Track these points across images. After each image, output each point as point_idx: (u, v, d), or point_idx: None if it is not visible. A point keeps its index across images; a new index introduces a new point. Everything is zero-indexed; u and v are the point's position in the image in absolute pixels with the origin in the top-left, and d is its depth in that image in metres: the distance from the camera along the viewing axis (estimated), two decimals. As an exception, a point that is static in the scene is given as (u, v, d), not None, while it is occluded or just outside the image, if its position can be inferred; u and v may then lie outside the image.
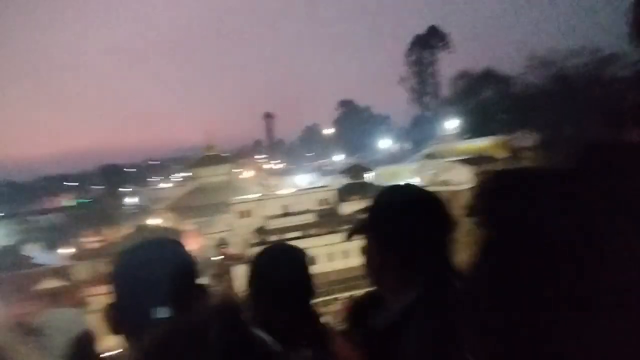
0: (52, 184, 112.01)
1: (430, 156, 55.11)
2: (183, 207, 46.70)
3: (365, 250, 1.31)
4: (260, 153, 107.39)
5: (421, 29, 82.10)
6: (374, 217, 1.32)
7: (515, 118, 51.61)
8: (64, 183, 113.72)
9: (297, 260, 1.54)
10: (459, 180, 42.15)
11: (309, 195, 40.32)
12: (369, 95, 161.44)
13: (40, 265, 41.55)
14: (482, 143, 52.11)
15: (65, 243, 49.96)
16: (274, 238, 32.31)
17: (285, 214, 37.45)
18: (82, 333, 1.76)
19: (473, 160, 43.75)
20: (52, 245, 52.01)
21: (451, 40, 79.96)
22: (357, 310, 1.71)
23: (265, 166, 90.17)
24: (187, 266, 1.29)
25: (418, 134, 71.35)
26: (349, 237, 1.41)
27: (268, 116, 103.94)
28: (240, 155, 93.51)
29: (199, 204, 46.35)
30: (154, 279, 1.18)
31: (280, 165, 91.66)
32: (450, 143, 57.51)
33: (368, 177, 45.66)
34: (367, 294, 1.75)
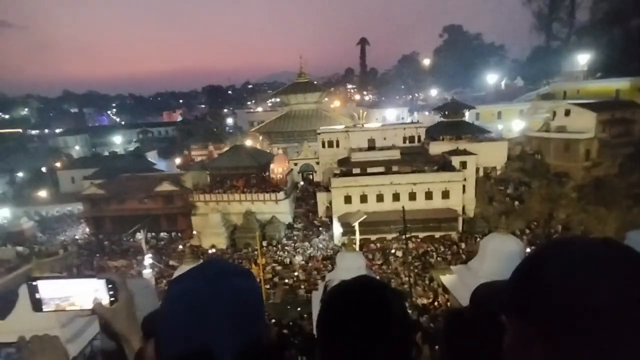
0: (166, 100, 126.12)
1: (547, 96, 47.35)
2: (273, 131, 48.79)
3: (514, 344, 0.74)
4: (351, 82, 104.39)
5: None
6: (549, 295, 0.66)
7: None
8: (177, 100, 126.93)
9: (380, 301, 1.05)
10: (578, 127, 35.81)
11: (396, 130, 38.55)
12: (481, 20, 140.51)
13: (159, 170, 48.97)
14: (618, 84, 42.65)
15: (177, 154, 57.40)
16: (356, 170, 32.38)
17: (370, 148, 36.75)
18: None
19: (603, 104, 36.28)
20: (166, 154, 60.34)
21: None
22: (456, 325, 1.50)
23: (356, 96, 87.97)
24: (254, 313, 0.96)
25: (536, 68, 61.15)
26: (483, 313, 0.87)
27: (363, 42, 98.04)
28: (331, 83, 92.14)
29: (288, 130, 47.91)
30: (210, 325, 0.88)
31: (371, 96, 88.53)
32: (576, 82, 48.23)
33: (466, 115, 41.39)
34: (472, 311, 1.46)
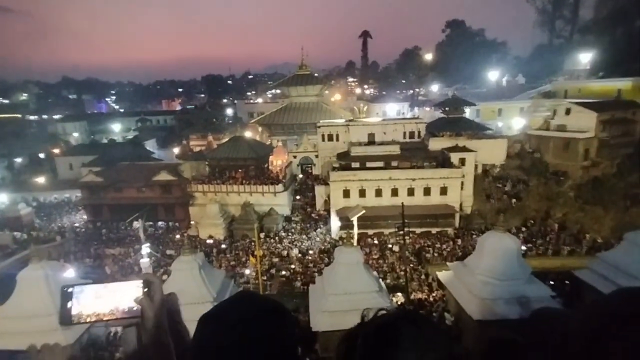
0: (166, 88, 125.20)
1: (548, 94, 47.29)
2: (273, 123, 48.60)
3: None
4: (352, 75, 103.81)
5: None
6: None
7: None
8: (176, 89, 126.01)
9: (432, 342, 1.00)
10: (578, 126, 35.85)
11: (397, 125, 38.47)
12: (484, 16, 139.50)
13: (158, 159, 48.81)
14: (620, 84, 42.60)
15: (176, 143, 57.14)
16: (355, 165, 32.36)
17: (370, 143, 36.71)
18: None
19: (604, 104, 36.28)
20: (165, 144, 60.08)
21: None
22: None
23: (356, 90, 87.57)
24: (287, 356, 0.98)
25: (538, 65, 60.92)
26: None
27: (365, 34, 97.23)
28: (332, 76, 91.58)
29: (288, 122, 47.72)
30: None
31: (372, 90, 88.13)
32: (578, 80, 48.16)
33: (467, 112, 41.33)
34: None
